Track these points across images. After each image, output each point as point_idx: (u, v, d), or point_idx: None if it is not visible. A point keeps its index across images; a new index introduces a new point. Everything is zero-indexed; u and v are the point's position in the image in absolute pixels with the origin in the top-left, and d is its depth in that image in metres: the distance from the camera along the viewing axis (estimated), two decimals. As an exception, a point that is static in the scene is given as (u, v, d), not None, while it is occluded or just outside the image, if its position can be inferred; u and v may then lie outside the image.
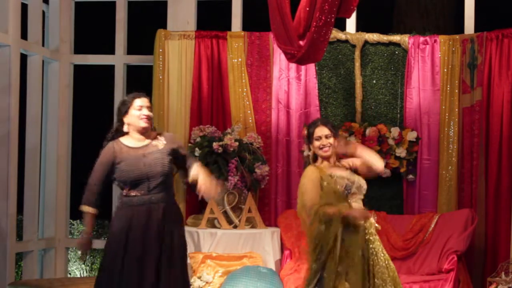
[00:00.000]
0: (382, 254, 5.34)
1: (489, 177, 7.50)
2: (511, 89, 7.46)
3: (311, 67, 7.85)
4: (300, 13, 6.21)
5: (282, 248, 7.52)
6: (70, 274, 10.10)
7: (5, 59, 7.27)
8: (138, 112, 5.33)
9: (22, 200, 7.73)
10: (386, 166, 7.67)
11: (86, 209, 5.36)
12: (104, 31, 9.56)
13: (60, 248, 8.24)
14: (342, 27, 7.95)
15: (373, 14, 9.99)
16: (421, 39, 7.79)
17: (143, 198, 5.27)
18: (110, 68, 8.42)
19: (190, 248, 6.85)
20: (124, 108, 5.37)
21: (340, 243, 5.17)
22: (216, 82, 7.98)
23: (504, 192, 7.41)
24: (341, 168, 5.42)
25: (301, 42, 6.25)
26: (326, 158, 5.44)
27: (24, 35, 7.69)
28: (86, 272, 10.52)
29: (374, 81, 7.88)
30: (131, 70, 8.47)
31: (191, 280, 6.76)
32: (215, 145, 7.44)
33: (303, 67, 7.81)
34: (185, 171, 5.40)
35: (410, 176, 7.72)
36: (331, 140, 5.44)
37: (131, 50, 8.38)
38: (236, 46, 7.94)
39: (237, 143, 7.47)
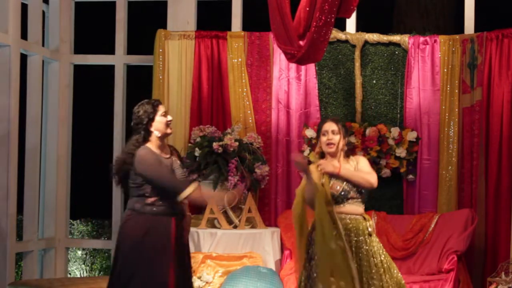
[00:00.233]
0: (379, 257, 5.35)
1: (489, 177, 7.50)
2: (511, 89, 7.46)
3: (311, 67, 7.85)
4: (300, 13, 6.21)
5: (282, 248, 7.52)
6: (70, 274, 10.11)
7: (5, 59, 7.27)
8: (164, 118, 5.31)
9: (22, 200, 7.73)
10: (386, 166, 7.68)
11: (188, 190, 5.16)
12: (104, 31, 9.56)
13: (60, 248, 8.24)
14: (342, 27, 7.95)
15: (373, 14, 9.99)
16: (421, 39, 7.79)
17: (167, 210, 5.23)
18: (110, 68, 8.42)
19: (190, 248, 6.85)
20: (151, 116, 5.28)
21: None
22: (216, 82, 7.98)
23: (504, 192, 7.41)
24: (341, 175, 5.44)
25: (301, 42, 6.25)
26: (332, 155, 5.44)
27: (24, 35, 7.69)
28: (86, 272, 10.53)
29: (374, 81, 7.88)
30: (131, 70, 8.47)
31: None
32: (215, 145, 7.44)
33: (303, 67, 7.81)
34: None
35: (410, 176, 7.72)
36: (338, 137, 5.42)
37: (131, 50, 8.38)
38: (236, 46, 7.94)
39: (237, 143, 7.47)
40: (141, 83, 9.20)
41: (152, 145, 5.29)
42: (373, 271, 5.32)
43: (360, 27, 8.04)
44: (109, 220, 8.79)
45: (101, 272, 10.56)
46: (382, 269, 5.36)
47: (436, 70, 7.73)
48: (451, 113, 7.68)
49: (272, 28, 6.43)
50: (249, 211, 7.46)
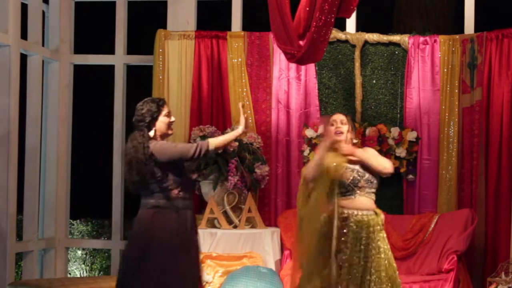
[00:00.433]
0: (383, 252, 5.37)
1: (489, 177, 7.50)
2: (511, 89, 7.46)
3: (311, 67, 7.85)
4: (300, 13, 6.21)
5: (282, 248, 7.52)
6: (70, 274, 10.11)
7: (5, 59, 7.27)
8: (167, 119, 5.31)
9: (22, 200, 7.73)
10: (386, 166, 7.67)
11: (213, 143, 5.24)
12: (104, 31, 9.56)
13: (60, 248, 8.25)
14: (342, 27, 7.95)
15: (373, 14, 9.99)
16: (421, 39, 7.79)
17: (189, 202, 5.28)
18: (110, 68, 8.42)
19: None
20: (154, 115, 5.29)
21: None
22: (216, 82, 7.98)
23: (504, 192, 7.41)
24: (354, 159, 5.45)
25: (301, 42, 6.25)
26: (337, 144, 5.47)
27: (24, 35, 7.69)
28: (86, 272, 10.53)
29: (374, 81, 7.88)
30: (131, 70, 8.47)
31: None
32: (215, 145, 7.43)
33: (303, 67, 7.81)
34: None
35: (410, 176, 7.72)
36: (346, 127, 5.49)
37: (131, 50, 8.38)
38: (236, 46, 7.94)
39: (237, 143, 7.47)
40: (141, 83, 9.19)
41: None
42: (381, 268, 5.34)
43: (360, 27, 8.04)
44: (109, 220, 8.79)
45: (101, 272, 10.56)
46: (384, 267, 5.38)
47: (436, 70, 7.73)
48: (451, 113, 7.68)
49: (272, 28, 6.43)
50: (249, 211, 7.46)
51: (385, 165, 5.48)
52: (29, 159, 7.77)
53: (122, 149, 8.18)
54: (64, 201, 8.28)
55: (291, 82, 7.91)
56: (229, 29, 8.10)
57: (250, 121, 7.87)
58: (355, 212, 5.42)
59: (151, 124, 5.28)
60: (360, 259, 5.33)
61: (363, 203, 5.46)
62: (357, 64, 7.86)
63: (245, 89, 7.92)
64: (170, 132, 5.34)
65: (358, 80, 7.85)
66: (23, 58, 7.71)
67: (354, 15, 7.77)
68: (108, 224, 10.50)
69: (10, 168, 7.26)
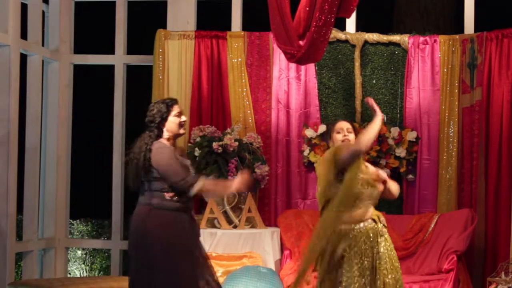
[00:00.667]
0: (387, 255, 5.35)
1: (489, 177, 7.50)
2: (511, 89, 7.46)
3: (311, 67, 7.85)
4: (300, 13, 6.22)
5: (282, 248, 7.52)
6: (70, 274, 10.11)
7: (5, 59, 7.27)
8: (177, 119, 5.31)
9: (22, 200, 7.73)
10: (386, 166, 7.68)
11: (198, 187, 5.17)
12: (104, 31, 9.56)
13: (60, 248, 8.24)
14: (342, 27, 7.95)
15: (373, 14, 9.99)
16: (421, 39, 7.79)
17: (184, 207, 5.24)
18: (110, 68, 8.42)
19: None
20: (164, 115, 5.29)
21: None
22: (216, 82, 7.98)
23: (504, 192, 7.41)
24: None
25: (301, 42, 6.25)
26: None
27: (24, 35, 7.69)
28: (86, 272, 10.53)
29: (374, 81, 7.88)
30: (131, 70, 8.47)
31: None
32: (215, 145, 7.44)
33: (303, 67, 7.81)
34: None
35: (410, 176, 7.72)
36: (352, 136, 5.41)
37: (131, 50, 8.38)
38: (236, 46, 7.94)
39: (237, 143, 7.47)
40: (141, 83, 9.20)
41: (166, 142, 5.30)
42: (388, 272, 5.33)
43: (360, 27, 8.04)
44: (109, 220, 8.79)
45: (101, 272, 10.56)
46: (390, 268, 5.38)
47: (436, 70, 7.73)
48: (451, 113, 7.68)
49: (272, 28, 6.43)
50: (249, 211, 7.46)
51: (397, 193, 5.54)
52: (29, 159, 7.77)
53: (124, 148, 8.22)
54: (64, 201, 8.28)
55: (291, 82, 7.91)
56: (229, 29, 8.10)
57: (250, 121, 7.88)
58: (356, 227, 5.34)
59: (161, 125, 5.29)
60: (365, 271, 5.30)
61: (362, 212, 5.40)
62: (357, 64, 7.86)
63: (245, 89, 7.92)
64: (181, 131, 5.33)
65: (358, 80, 7.85)
66: (23, 58, 7.71)
67: (354, 15, 7.77)
68: (108, 224, 10.50)
69: (10, 168, 7.26)
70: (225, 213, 7.49)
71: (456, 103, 7.67)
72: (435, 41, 7.76)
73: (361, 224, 5.30)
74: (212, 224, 7.46)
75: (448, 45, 7.71)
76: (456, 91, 7.68)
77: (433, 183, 7.68)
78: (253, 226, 7.51)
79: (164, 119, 5.29)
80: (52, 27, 8.26)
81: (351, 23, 8.01)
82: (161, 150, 5.20)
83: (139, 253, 5.17)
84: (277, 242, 7.51)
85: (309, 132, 7.78)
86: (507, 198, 7.36)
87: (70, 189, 8.35)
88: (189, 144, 7.66)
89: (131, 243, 5.25)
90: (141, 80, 9.28)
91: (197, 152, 7.50)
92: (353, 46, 7.88)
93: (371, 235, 5.30)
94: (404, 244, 7.40)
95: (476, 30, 7.81)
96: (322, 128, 7.72)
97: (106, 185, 8.55)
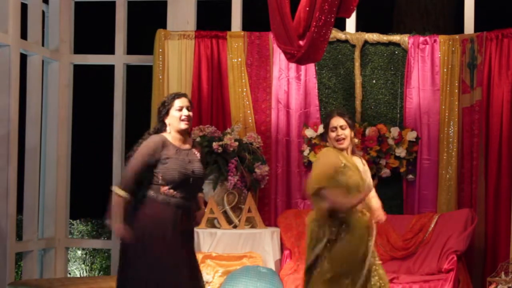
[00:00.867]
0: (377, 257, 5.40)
1: (489, 177, 7.49)
2: (511, 89, 7.46)
3: (311, 67, 7.85)
4: (300, 13, 6.21)
5: (282, 248, 7.52)
6: (70, 274, 10.11)
7: (5, 59, 7.27)
8: (178, 113, 5.28)
9: (22, 200, 7.73)
10: (386, 166, 7.69)
11: (121, 192, 5.17)
12: (104, 31, 9.56)
13: (60, 248, 8.24)
14: (342, 27, 7.95)
15: (373, 14, 9.99)
16: (421, 39, 7.79)
17: (181, 202, 5.22)
18: (110, 68, 8.42)
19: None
20: (165, 109, 5.30)
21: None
22: (216, 82, 7.98)
23: (504, 192, 7.41)
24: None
25: (301, 42, 6.25)
26: (342, 150, 5.43)
27: (24, 35, 7.69)
28: (86, 272, 10.53)
29: (374, 81, 7.88)
30: (131, 70, 8.47)
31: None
32: (215, 145, 7.44)
33: (303, 67, 7.81)
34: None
35: (410, 176, 7.72)
36: (347, 131, 5.42)
37: (131, 50, 8.38)
38: (236, 46, 7.94)
39: (237, 143, 7.47)
40: (141, 83, 9.20)
41: (169, 136, 5.29)
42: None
43: (360, 27, 8.04)
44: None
45: (101, 272, 10.56)
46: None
47: (436, 70, 7.73)
48: (451, 113, 7.68)
49: (272, 28, 6.43)
50: (249, 211, 7.46)
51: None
52: (29, 159, 7.77)
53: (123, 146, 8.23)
54: (64, 201, 8.28)
55: (291, 82, 7.91)
56: (229, 29, 8.11)
57: (250, 121, 7.88)
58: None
59: (164, 118, 5.31)
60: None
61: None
62: (357, 64, 7.86)
63: (245, 89, 7.92)
64: (182, 126, 5.27)
65: (358, 80, 7.85)
66: (23, 58, 7.71)
67: (354, 15, 7.77)
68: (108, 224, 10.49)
69: (10, 168, 7.26)
70: (225, 213, 7.50)
71: (456, 103, 7.67)
72: (435, 41, 7.76)
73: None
74: (212, 224, 7.46)
75: (448, 45, 7.71)
76: (456, 91, 7.68)
77: (433, 183, 7.68)
78: (253, 226, 7.51)
79: (166, 113, 5.30)
80: (52, 27, 8.26)
81: (351, 23, 8.01)
82: (145, 143, 5.24)
83: (125, 243, 5.21)
84: (277, 242, 7.51)
85: (309, 132, 7.78)
86: (507, 198, 7.36)
87: (70, 189, 8.35)
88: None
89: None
90: (141, 80, 9.28)
91: (197, 152, 7.50)
92: (353, 46, 7.88)
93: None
94: (404, 244, 7.40)
95: (476, 30, 7.81)
96: (322, 128, 7.72)
97: (106, 185, 8.53)
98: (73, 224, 10.81)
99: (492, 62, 7.51)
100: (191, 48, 7.96)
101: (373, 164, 7.62)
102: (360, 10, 7.54)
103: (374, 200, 5.51)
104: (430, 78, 7.76)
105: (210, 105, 7.95)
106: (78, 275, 10.34)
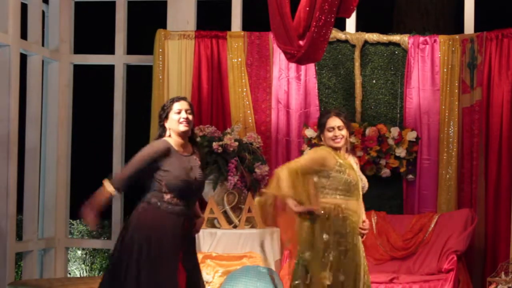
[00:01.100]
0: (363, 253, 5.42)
1: (489, 177, 7.50)
2: (511, 89, 7.46)
3: (311, 67, 7.85)
4: (300, 13, 6.21)
5: (282, 248, 7.51)
6: (70, 274, 10.11)
7: (5, 59, 7.27)
8: (177, 116, 5.23)
9: (22, 200, 7.73)
10: (386, 166, 7.68)
11: (110, 188, 5.13)
12: (104, 31, 9.56)
13: (60, 248, 8.24)
14: (342, 27, 7.96)
15: (373, 14, 9.98)
16: (421, 39, 7.79)
17: (184, 210, 5.19)
18: (110, 68, 8.42)
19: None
20: (164, 113, 5.26)
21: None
22: (216, 82, 7.98)
23: (504, 192, 7.41)
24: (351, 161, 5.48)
25: (301, 42, 6.25)
26: (337, 149, 5.43)
27: (24, 35, 7.69)
28: (86, 272, 10.53)
29: (374, 81, 7.89)
30: (131, 70, 8.47)
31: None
32: (215, 145, 7.44)
33: (303, 67, 7.81)
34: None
35: (410, 176, 7.72)
36: (344, 131, 5.42)
37: (131, 50, 8.38)
38: (236, 46, 7.94)
39: (237, 143, 7.47)
40: (141, 83, 9.19)
41: (171, 140, 5.26)
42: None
43: (360, 27, 8.04)
44: (109, 220, 8.79)
45: (101, 272, 10.55)
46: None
47: (436, 70, 7.73)
48: (451, 113, 7.68)
49: (272, 28, 6.43)
50: (249, 211, 7.45)
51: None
52: (29, 159, 7.77)
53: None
54: (64, 201, 8.28)
55: (291, 82, 7.92)
56: (229, 29, 8.11)
57: (250, 121, 7.88)
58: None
59: (164, 122, 5.28)
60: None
61: (361, 206, 5.48)
62: (357, 64, 7.86)
63: (245, 89, 7.92)
64: (181, 129, 5.22)
65: (358, 80, 7.85)
66: (23, 58, 7.71)
67: (354, 15, 7.77)
68: (108, 224, 10.50)
69: (10, 168, 7.26)
70: (225, 213, 7.49)
71: (456, 103, 7.67)
72: (435, 41, 7.76)
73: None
74: (212, 224, 7.46)
75: (448, 45, 7.71)
76: (456, 91, 7.69)
77: (433, 183, 7.68)
78: (253, 226, 7.51)
79: (165, 117, 5.28)
80: (52, 27, 8.26)
81: (351, 23, 8.01)
82: (149, 145, 5.21)
83: (123, 247, 5.15)
84: (277, 242, 7.50)
85: (309, 132, 7.77)
86: (507, 198, 7.37)
87: (70, 189, 8.35)
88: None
89: (120, 234, 5.25)
90: (141, 80, 9.28)
91: (197, 152, 7.50)
92: (353, 46, 7.88)
93: None
94: (404, 244, 7.40)
95: (476, 30, 7.81)
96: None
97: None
98: (73, 224, 10.81)
99: (492, 62, 7.51)
100: (191, 48, 7.96)
101: (373, 164, 7.63)
102: (360, 10, 7.55)
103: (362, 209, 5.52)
104: (430, 78, 7.76)
105: (210, 105, 7.95)
106: (78, 275, 10.34)
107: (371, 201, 6.78)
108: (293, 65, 7.82)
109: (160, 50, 7.96)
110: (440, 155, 7.67)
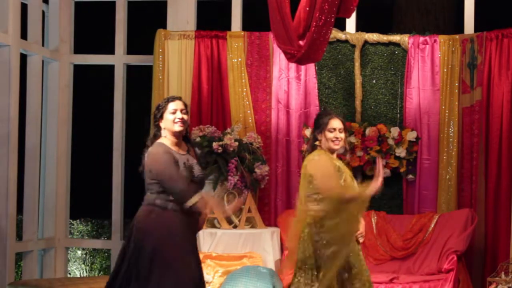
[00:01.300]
0: (361, 256, 5.40)
1: (489, 177, 7.50)
2: (511, 89, 7.46)
3: (311, 67, 7.85)
4: (300, 13, 6.22)
5: (282, 248, 7.52)
6: (70, 274, 10.11)
7: (5, 59, 7.27)
8: (172, 116, 5.21)
9: (22, 200, 7.73)
10: (386, 166, 7.68)
11: (194, 199, 5.06)
12: (104, 31, 9.57)
13: (60, 248, 8.25)
14: (342, 27, 7.95)
15: (373, 14, 9.99)
16: (421, 39, 7.79)
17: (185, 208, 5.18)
18: (110, 68, 8.42)
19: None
20: (159, 113, 5.24)
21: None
22: (216, 82, 7.98)
23: (504, 192, 7.41)
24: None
25: (301, 42, 6.26)
26: (333, 151, 5.44)
27: (24, 35, 7.70)
28: (86, 272, 10.53)
29: (374, 81, 7.89)
30: (131, 70, 8.47)
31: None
32: (215, 145, 7.44)
33: (303, 67, 7.81)
34: None
35: (410, 176, 7.72)
36: (343, 135, 5.43)
37: (131, 50, 8.38)
38: (236, 46, 7.94)
39: (237, 143, 7.47)
40: (141, 83, 9.20)
41: (167, 141, 5.23)
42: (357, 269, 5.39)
43: (360, 27, 8.04)
44: (109, 220, 8.79)
45: (101, 272, 10.56)
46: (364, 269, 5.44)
47: (436, 70, 7.73)
48: (451, 113, 7.68)
49: (272, 28, 6.43)
50: (249, 211, 7.46)
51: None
52: (29, 159, 7.77)
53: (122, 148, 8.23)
54: (64, 201, 8.28)
55: (291, 82, 7.92)
56: (229, 29, 8.11)
57: (250, 121, 7.88)
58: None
59: (159, 122, 5.26)
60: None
61: None
62: (357, 64, 7.86)
63: (245, 89, 7.92)
64: (176, 128, 5.19)
65: (358, 80, 7.85)
66: (23, 58, 7.72)
67: (354, 15, 7.77)
68: (108, 224, 10.51)
69: (10, 168, 7.26)
70: (225, 213, 7.49)
71: (456, 103, 7.67)
72: (435, 41, 7.76)
73: None
74: (212, 224, 7.46)
75: (448, 45, 7.71)
76: (456, 91, 7.68)
77: (433, 183, 7.68)
78: (253, 226, 7.52)
79: (160, 117, 5.26)
80: (52, 27, 8.27)
81: (351, 23, 8.01)
82: (156, 157, 5.12)
83: (134, 252, 5.10)
84: (277, 242, 7.51)
85: (309, 132, 7.76)
86: (507, 198, 7.37)
87: (70, 189, 8.35)
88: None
89: (128, 240, 5.17)
90: (141, 80, 9.28)
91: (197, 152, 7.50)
92: (353, 46, 7.88)
93: None
94: (404, 244, 7.40)
95: (476, 30, 7.81)
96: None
97: (106, 185, 8.55)
98: (73, 224, 10.81)
99: (492, 62, 7.51)
100: (191, 48, 7.96)
101: (373, 164, 7.63)
102: (360, 10, 7.55)
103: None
104: (430, 78, 7.76)
105: (210, 105, 7.95)
106: (78, 275, 10.34)
107: (371, 201, 6.75)
108: (293, 65, 7.82)
109: (160, 50, 7.96)
110: (440, 155, 7.67)
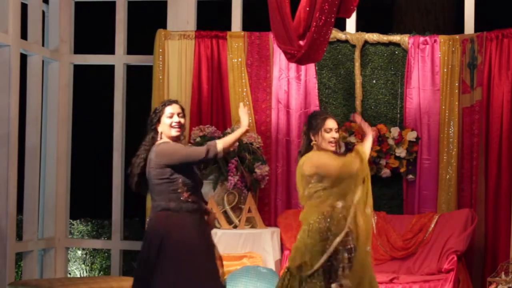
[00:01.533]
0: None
1: (489, 177, 7.50)
2: (511, 89, 7.46)
3: (311, 67, 7.85)
4: (300, 13, 6.22)
5: (282, 248, 7.52)
6: (70, 274, 10.11)
7: (5, 59, 7.28)
8: (169, 120, 5.22)
9: (22, 200, 7.73)
10: (386, 166, 7.69)
11: (219, 142, 5.16)
12: (104, 31, 9.57)
13: (60, 248, 8.24)
14: (342, 27, 7.96)
15: (373, 14, 9.99)
16: (421, 39, 7.79)
17: (199, 205, 5.20)
18: (110, 68, 8.42)
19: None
20: (156, 117, 5.25)
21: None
22: (216, 82, 7.98)
23: (504, 192, 7.41)
24: None
25: (301, 42, 6.25)
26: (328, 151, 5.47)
27: (24, 35, 7.70)
28: (86, 272, 10.53)
29: (374, 81, 7.89)
30: (131, 70, 8.47)
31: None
32: (215, 145, 7.43)
33: (303, 67, 7.81)
34: None
35: (410, 176, 7.72)
36: (337, 135, 5.47)
37: (131, 50, 8.38)
38: (236, 46, 7.94)
39: (237, 143, 7.46)
40: (141, 83, 9.20)
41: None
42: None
43: (360, 27, 8.04)
44: (109, 220, 8.79)
45: (101, 272, 10.56)
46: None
47: (436, 70, 7.73)
48: (451, 113, 7.68)
49: (272, 28, 6.43)
50: (249, 211, 7.46)
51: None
52: (29, 159, 7.77)
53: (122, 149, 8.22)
54: (64, 201, 8.28)
55: (291, 82, 7.92)
56: (229, 29, 8.11)
57: (250, 120, 7.87)
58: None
59: (156, 126, 5.25)
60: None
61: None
62: (357, 64, 7.86)
63: (245, 89, 7.92)
64: (173, 133, 5.22)
65: (358, 80, 7.85)
66: (23, 58, 7.72)
67: (354, 15, 7.77)
68: (108, 224, 10.51)
69: (10, 168, 7.26)
70: (225, 213, 7.50)
71: (456, 103, 7.67)
72: (435, 41, 7.76)
73: None
74: (212, 224, 7.46)
75: (448, 45, 7.71)
76: (456, 91, 7.68)
77: (433, 183, 7.68)
78: (253, 226, 7.52)
79: (158, 120, 5.25)
80: (52, 27, 8.27)
81: (351, 23, 8.01)
82: (166, 146, 5.15)
83: (160, 257, 5.07)
84: (277, 242, 7.51)
85: (309, 132, 7.77)
86: (507, 198, 7.37)
87: (70, 189, 8.35)
88: (189, 144, 7.66)
89: (149, 247, 5.12)
90: (141, 80, 9.28)
91: (197, 152, 7.49)
92: (353, 46, 7.88)
93: None
94: (404, 244, 7.40)
95: (476, 30, 7.81)
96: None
97: (106, 185, 8.56)
98: (73, 224, 10.82)
99: (492, 62, 7.51)
100: (191, 48, 7.96)
101: (373, 164, 7.63)
102: (360, 10, 7.54)
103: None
104: (430, 78, 7.76)
105: (210, 105, 7.95)
106: (78, 275, 10.35)
107: (371, 201, 6.77)
108: (293, 65, 7.82)
109: (160, 50, 7.96)
110: (440, 155, 7.67)
